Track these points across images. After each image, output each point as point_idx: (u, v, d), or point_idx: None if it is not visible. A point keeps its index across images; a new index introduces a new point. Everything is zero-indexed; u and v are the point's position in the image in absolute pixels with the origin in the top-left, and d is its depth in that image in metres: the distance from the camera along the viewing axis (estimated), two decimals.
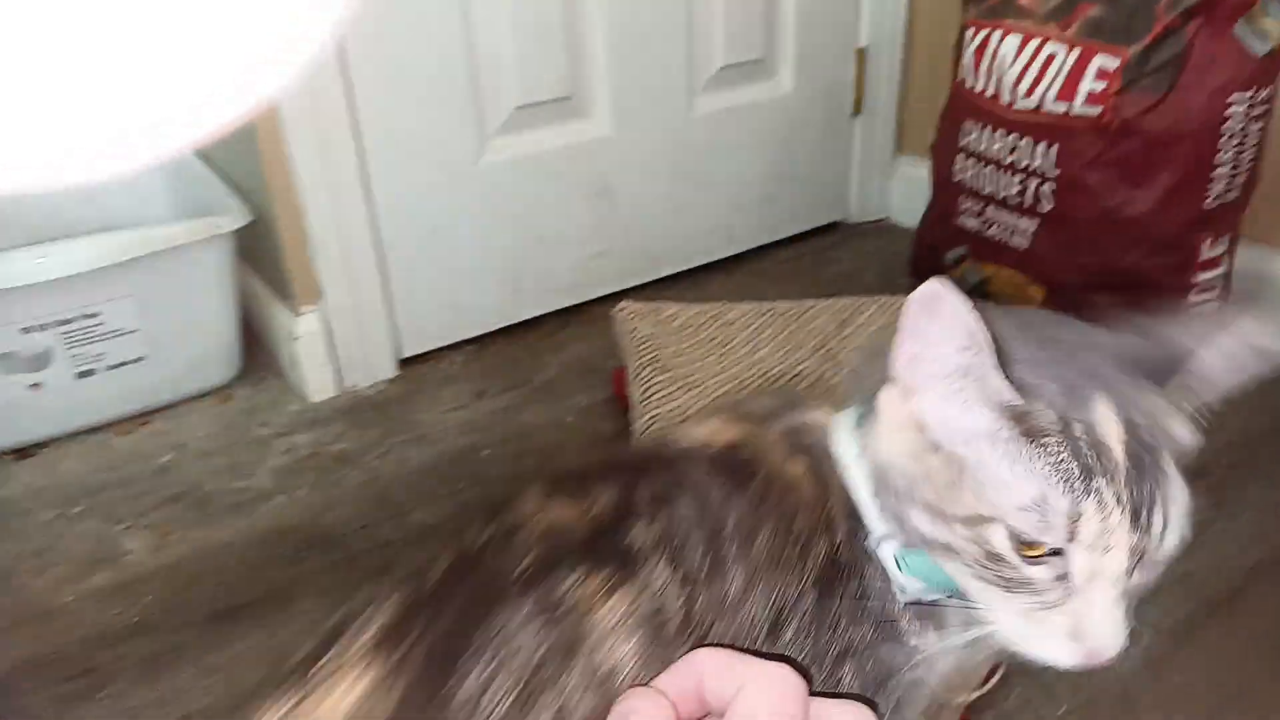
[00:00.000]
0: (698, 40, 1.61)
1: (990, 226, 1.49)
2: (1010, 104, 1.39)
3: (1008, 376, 0.42)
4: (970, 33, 1.44)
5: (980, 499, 0.42)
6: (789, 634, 0.49)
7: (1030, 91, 1.35)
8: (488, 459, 1.36)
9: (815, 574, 0.49)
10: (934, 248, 1.60)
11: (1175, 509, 0.43)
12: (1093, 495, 0.40)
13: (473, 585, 0.44)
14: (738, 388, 1.33)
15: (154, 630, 1.08)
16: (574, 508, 0.48)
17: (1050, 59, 1.32)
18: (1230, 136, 1.26)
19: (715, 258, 1.79)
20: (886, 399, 0.47)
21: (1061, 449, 0.41)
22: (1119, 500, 0.41)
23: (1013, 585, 0.43)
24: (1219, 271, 1.38)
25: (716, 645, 0.41)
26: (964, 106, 1.47)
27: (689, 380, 1.31)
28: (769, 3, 1.66)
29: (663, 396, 1.28)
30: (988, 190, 1.46)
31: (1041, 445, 0.41)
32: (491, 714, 0.41)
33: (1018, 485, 0.41)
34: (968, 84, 1.45)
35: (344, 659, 0.42)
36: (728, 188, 1.75)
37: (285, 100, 1.28)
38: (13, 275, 1.24)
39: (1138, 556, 0.42)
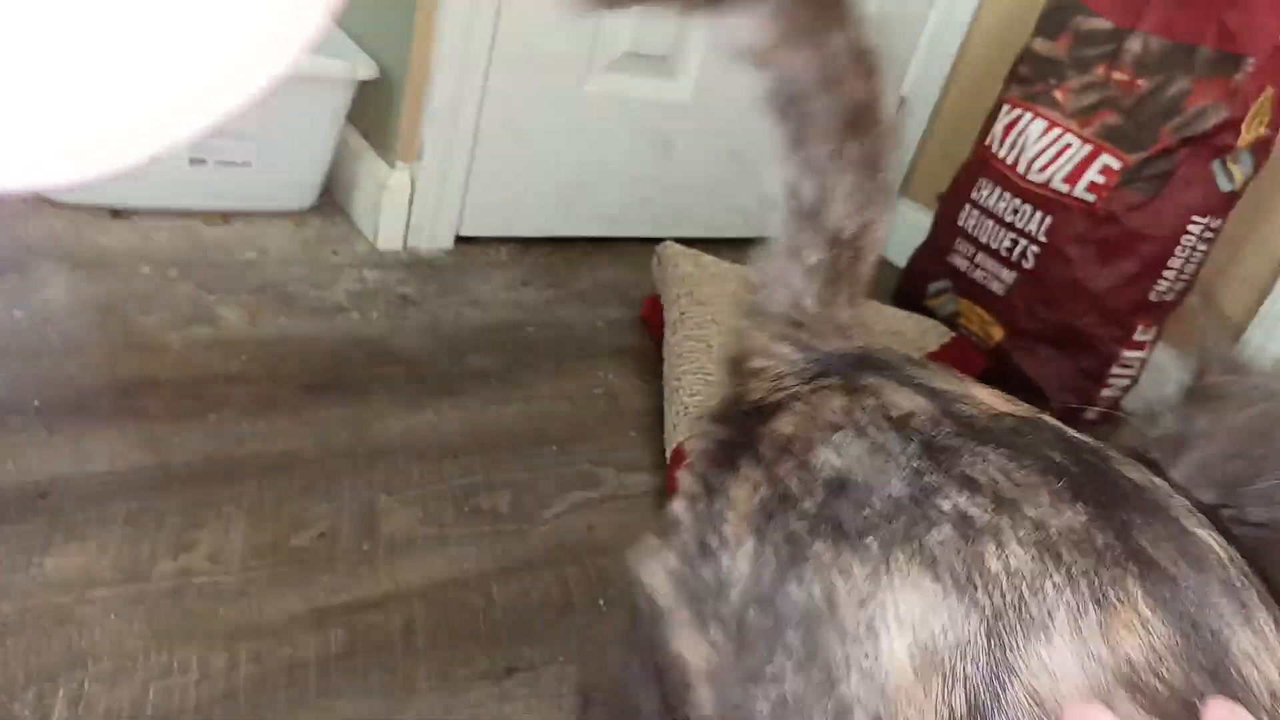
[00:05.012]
0: None
1: (976, 270, 1.78)
2: (1024, 175, 1.68)
3: None
4: (1006, 108, 1.73)
5: None
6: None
7: (1043, 169, 1.65)
8: (531, 334, 1.57)
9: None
10: (923, 276, 1.89)
11: None
12: None
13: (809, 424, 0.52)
14: None
15: (254, 382, 1.26)
16: (992, 411, 0.51)
17: (1066, 147, 1.62)
18: (1184, 248, 1.58)
19: (734, 235, 2.04)
20: None
21: None
22: None
23: None
24: (1141, 354, 1.70)
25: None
26: (984, 166, 1.76)
27: (716, 316, 1.55)
28: None
29: (695, 323, 1.52)
30: (983, 239, 1.76)
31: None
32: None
33: None
34: (992, 149, 1.74)
35: None
36: (763, 179, 2.00)
37: None
38: None
39: None
